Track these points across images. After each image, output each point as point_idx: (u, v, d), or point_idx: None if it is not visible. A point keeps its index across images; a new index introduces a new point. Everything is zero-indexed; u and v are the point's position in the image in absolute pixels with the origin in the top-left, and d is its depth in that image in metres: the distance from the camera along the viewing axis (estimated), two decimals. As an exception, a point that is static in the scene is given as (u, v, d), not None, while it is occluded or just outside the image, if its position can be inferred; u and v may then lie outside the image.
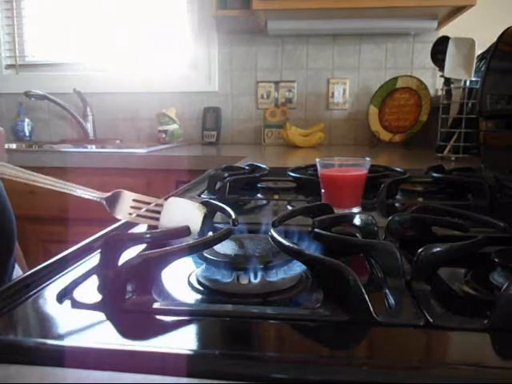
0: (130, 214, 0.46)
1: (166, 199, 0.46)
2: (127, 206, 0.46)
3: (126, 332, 0.28)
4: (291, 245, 0.35)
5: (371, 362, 0.25)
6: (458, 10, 1.44)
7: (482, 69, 1.15)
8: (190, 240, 0.38)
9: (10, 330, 0.29)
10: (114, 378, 0.23)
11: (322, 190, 0.64)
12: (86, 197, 0.44)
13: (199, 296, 0.34)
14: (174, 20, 1.88)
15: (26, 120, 1.92)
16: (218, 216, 0.52)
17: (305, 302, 0.34)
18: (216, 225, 0.51)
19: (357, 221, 0.46)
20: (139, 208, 0.46)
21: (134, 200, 0.46)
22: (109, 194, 0.45)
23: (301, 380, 0.23)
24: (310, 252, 0.33)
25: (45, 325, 0.29)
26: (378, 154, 1.42)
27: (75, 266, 0.39)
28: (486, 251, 0.38)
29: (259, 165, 0.92)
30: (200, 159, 1.33)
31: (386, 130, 1.73)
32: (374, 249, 0.37)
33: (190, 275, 0.38)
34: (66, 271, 0.37)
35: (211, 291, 0.35)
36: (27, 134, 1.92)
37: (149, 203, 0.46)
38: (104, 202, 0.45)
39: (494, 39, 0.79)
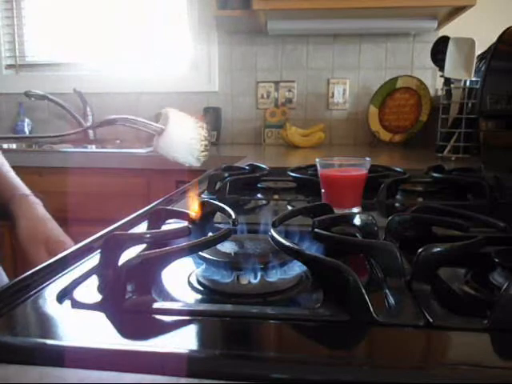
0: None
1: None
2: None
3: (126, 332, 0.28)
4: (291, 245, 0.35)
5: (371, 361, 0.25)
6: (457, 10, 1.44)
7: (482, 69, 1.15)
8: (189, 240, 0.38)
9: (9, 330, 0.29)
10: (114, 378, 0.23)
11: (322, 190, 0.64)
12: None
13: (199, 296, 0.34)
14: (174, 20, 1.88)
15: (26, 120, 1.91)
16: (218, 216, 0.52)
17: (305, 301, 0.33)
18: (216, 225, 0.51)
19: (357, 221, 0.46)
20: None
21: None
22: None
23: (301, 380, 0.23)
24: (310, 252, 0.33)
25: (45, 325, 0.29)
26: (377, 154, 1.42)
27: (75, 265, 0.39)
28: (486, 251, 0.38)
29: (259, 165, 0.92)
30: (200, 159, 1.33)
31: (386, 129, 1.73)
32: (374, 249, 0.37)
33: (190, 275, 0.38)
34: (66, 271, 0.37)
35: (211, 291, 0.35)
36: (27, 134, 1.92)
37: None
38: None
39: (494, 39, 0.79)
